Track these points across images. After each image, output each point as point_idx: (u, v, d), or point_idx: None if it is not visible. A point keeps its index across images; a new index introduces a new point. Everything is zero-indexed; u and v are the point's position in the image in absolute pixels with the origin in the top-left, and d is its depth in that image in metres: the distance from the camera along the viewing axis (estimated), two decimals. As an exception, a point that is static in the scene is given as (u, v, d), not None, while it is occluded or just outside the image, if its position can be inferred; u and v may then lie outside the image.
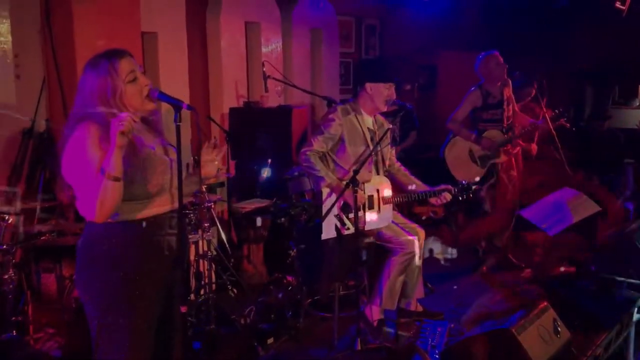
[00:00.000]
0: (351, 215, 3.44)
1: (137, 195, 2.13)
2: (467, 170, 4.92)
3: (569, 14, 7.43)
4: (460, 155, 4.98)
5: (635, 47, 6.90)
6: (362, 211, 3.54)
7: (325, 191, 3.58)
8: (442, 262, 4.81)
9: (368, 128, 3.72)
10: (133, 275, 2.15)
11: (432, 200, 3.71)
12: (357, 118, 3.68)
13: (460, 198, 3.68)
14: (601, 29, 7.15)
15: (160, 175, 2.17)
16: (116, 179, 1.99)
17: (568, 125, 4.84)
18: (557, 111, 4.92)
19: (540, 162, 5.65)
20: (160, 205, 2.20)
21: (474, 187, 3.70)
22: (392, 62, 3.61)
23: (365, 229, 3.60)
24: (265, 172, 4.80)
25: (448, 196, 3.67)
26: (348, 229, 3.51)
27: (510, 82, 5.02)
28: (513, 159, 4.99)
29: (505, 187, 4.91)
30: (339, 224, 3.32)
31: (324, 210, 3.46)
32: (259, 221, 4.62)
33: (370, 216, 3.63)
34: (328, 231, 3.53)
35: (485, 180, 4.98)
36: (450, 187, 3.69)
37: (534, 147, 5.01)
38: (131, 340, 2.17)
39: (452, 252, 4.96)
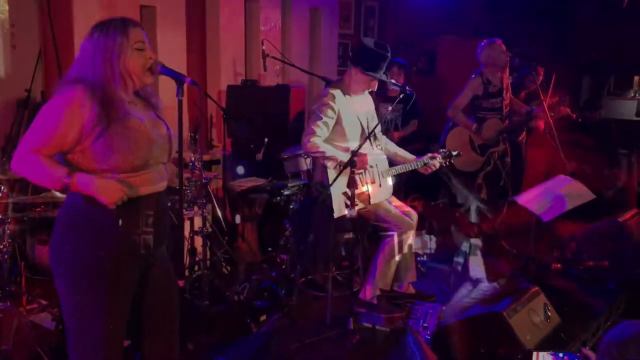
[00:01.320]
0: (357, 191, 3.47)
1: (120, 167, 2.07)
2: (467, 159, 4.95)
3: (569, 4, 7.41)
4: (460, 144, 4.98)
5: (632, 38, 6.91)
6: (366, 186, 3.60)
7: (331, 171, 3.58)
8: (422, 257, 4.81)
9: (360, 105, 3.76)
10: (111, 252, 2.10)
11: (422, 169, 3.81)
12: (346, 97, 3.69)
13: (444, 164, 3.81)
14: (600, 20, 7.15)
15: (145, 148, 2.11)
16: (61, 192, 2.03)
17: (574, 116, 4.86)
18: (559, 99, 4.92)
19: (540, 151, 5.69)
20: (147, 184, 2.15)
21: (454, 153, 3.84)
22: (385, 56, 3.55)
23: (371, 202, 3.65)
24: (261, 154, 4.77)
25: (436, 163, 3.77)
26: (357, 204, 3.55)
27: (507, 69, 5.01)
28: (508, 145, 5.01)
29: (499, 173, 4.95)
30: (348, 202, 3.33)
31: (331, 183, 3.48)
32: (237, 219, 4.64)
33: (374, 190, 3.68)
34: (339, 209, 3.55)
35: (482, 169, 5.01)
36: (435, 154, 3.80)
37: (541, 123, 5.02)
38: (106, 320, 2.12)
39: (432, 247, 4.97)
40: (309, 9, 6.81)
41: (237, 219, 4.62)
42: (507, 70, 5.00)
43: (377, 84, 3.73)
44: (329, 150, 3.56)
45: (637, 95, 7.72)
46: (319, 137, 3.58)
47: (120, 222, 2.09)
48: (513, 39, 5.33)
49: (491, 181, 5.13)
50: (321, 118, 3.59)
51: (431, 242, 4.90)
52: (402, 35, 7.75)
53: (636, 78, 7.80)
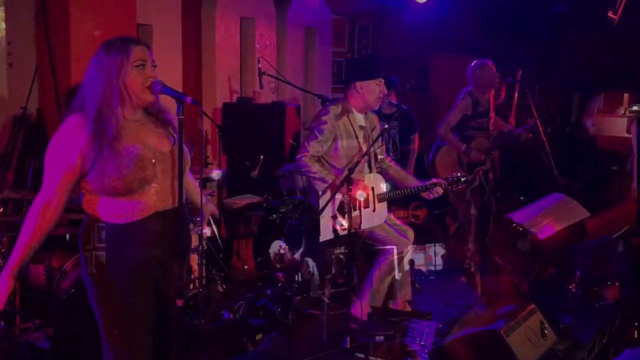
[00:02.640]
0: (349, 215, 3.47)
1: (115, 190, 2.10)
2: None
3: (560, 22, 7.52)
4: (449, 162, 5.04)
5: (622, 55, 7.01)
6: (357, 211, 3.56)
7: (322, 191, 3.57)
8: (426, 273, 4.82)
9: (360, 126, 3.73)
10: (125, 268, 2.15)
11: (425, 194, 3.74)
12: (348, 117, 3.68)
13: (451, 189, 3.75)
14: (590, 38, 7.26)
15: (141, 170, 2.12)
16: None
17: (542, 127, 4.95)
18: (543, 118, 5.02)
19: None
20: (154, 202, 2.16)
21: (462, 179, 3.75)
22: (379, 58, 3.62)
23: (361, 228, 3.61)
24: (257, 171, 4.76)
25: (440, 190, 3.70)
26: (345, 229, 3.53)
27: (492, 92, 5.09)
28: (490, 162, 5.10)
29: (482, 189, 5.01)
30: (336, 225, 3.33)
31: (320, 210, 3.47)
32: (254, 174, 4.60)
33: (366, 215, 3.62)
34: (325, 232, 3.54)
35: (470, 184, 5.05)
36: (441, 180, 3.74)
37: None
38: (129, 339, 2.20)
39: (438, 264, 4.96)
40: (304, 27, 6.87)
41: (254, 174, 4.56)
42: (493, 90, 5.08)
43: (385, 87, 3.69)
44: (320, 171, 3.53)
45: (627, 112, 7.81)
46: (313, 157, 3.57)
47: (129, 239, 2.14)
48: (504, 56, 5.41)
49: (476, 198, 5.18)
50: (317, 137, 3.58)
51: (436, 257, 4.92)
52: (395, 53, 7.83)
53: (626, 95, 7.89)
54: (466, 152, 4.93)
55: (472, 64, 4.97)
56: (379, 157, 3.84)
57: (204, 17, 5.79)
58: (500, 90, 5.77)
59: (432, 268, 4.91)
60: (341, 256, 3.73)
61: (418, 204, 5.45)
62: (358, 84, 3.63)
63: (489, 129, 4.98)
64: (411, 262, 3.95)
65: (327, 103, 3.81)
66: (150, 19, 5.12)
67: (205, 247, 4.10)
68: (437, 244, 4.97)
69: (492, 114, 5.01)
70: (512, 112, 5.41)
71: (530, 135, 5.07)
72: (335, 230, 3.53)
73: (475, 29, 8.11)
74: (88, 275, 2.18)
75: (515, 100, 5.48)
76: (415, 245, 4.11)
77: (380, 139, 3.73)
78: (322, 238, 3.53)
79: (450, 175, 3.77)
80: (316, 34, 7.04)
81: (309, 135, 3.63)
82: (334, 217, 3.43)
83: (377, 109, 3.77)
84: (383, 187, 3.77)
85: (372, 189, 3.70)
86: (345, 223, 3.49)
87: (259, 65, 4.88)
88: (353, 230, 3.47)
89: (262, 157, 4.67)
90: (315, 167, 3.53)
